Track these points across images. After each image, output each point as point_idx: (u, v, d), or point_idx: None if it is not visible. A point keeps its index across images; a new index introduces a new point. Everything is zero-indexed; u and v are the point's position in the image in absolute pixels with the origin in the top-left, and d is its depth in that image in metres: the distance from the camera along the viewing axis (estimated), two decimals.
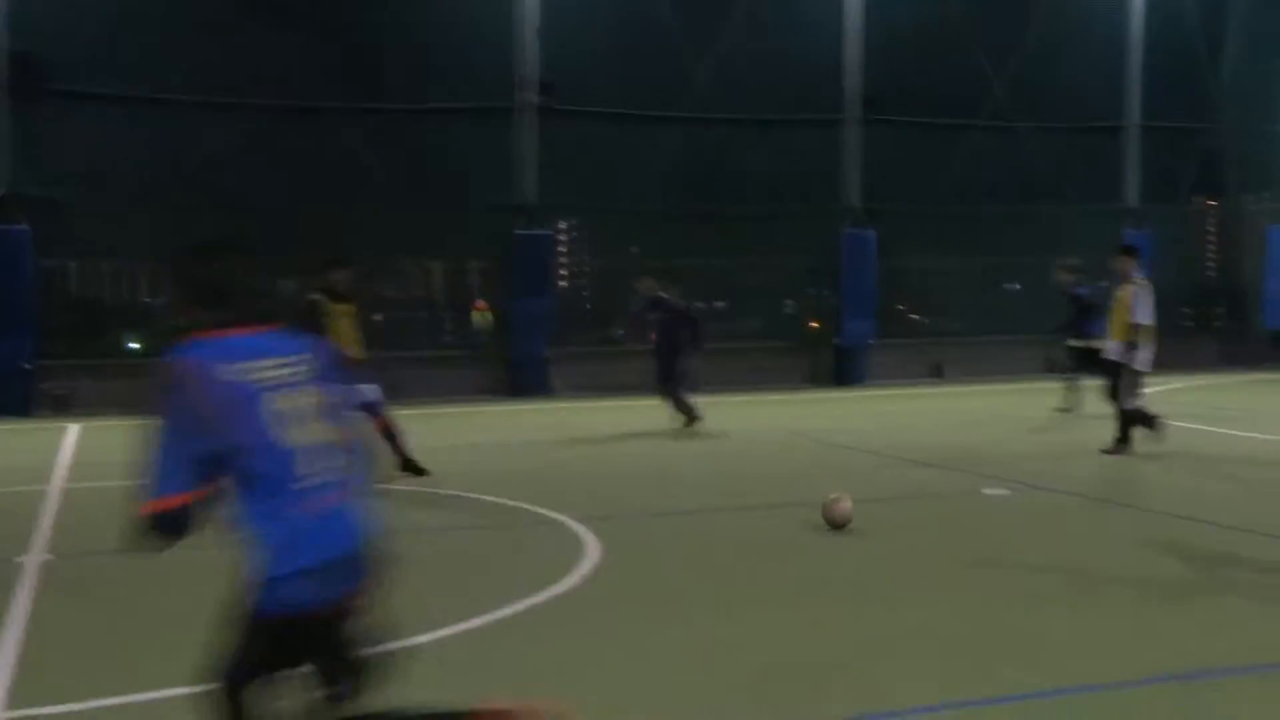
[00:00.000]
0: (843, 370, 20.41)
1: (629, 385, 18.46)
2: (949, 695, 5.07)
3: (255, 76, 17.63)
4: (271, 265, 18.34)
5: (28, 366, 16.55)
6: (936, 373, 20.88)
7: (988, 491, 10.12)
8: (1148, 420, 12.00)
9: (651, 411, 16.14)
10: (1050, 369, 15.98)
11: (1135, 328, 11.76)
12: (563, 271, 19.81)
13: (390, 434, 10.84)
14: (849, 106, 20.78)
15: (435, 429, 14.99)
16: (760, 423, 15.38)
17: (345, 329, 10.31)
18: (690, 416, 14.17)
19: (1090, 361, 14.99)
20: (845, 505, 8.44)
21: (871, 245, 20.42)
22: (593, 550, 7.88)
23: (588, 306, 20.95)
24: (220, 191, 17.67)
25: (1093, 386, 14.16)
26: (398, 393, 17.88)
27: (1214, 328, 23.59)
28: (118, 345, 18.55)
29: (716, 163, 20.15)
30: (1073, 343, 15.47)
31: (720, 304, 21.72)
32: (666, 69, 19.91)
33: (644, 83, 19.85)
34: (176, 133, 17.72)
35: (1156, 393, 17.65)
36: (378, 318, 19.38)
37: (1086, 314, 15.21)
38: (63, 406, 16.55)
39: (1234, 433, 13.68)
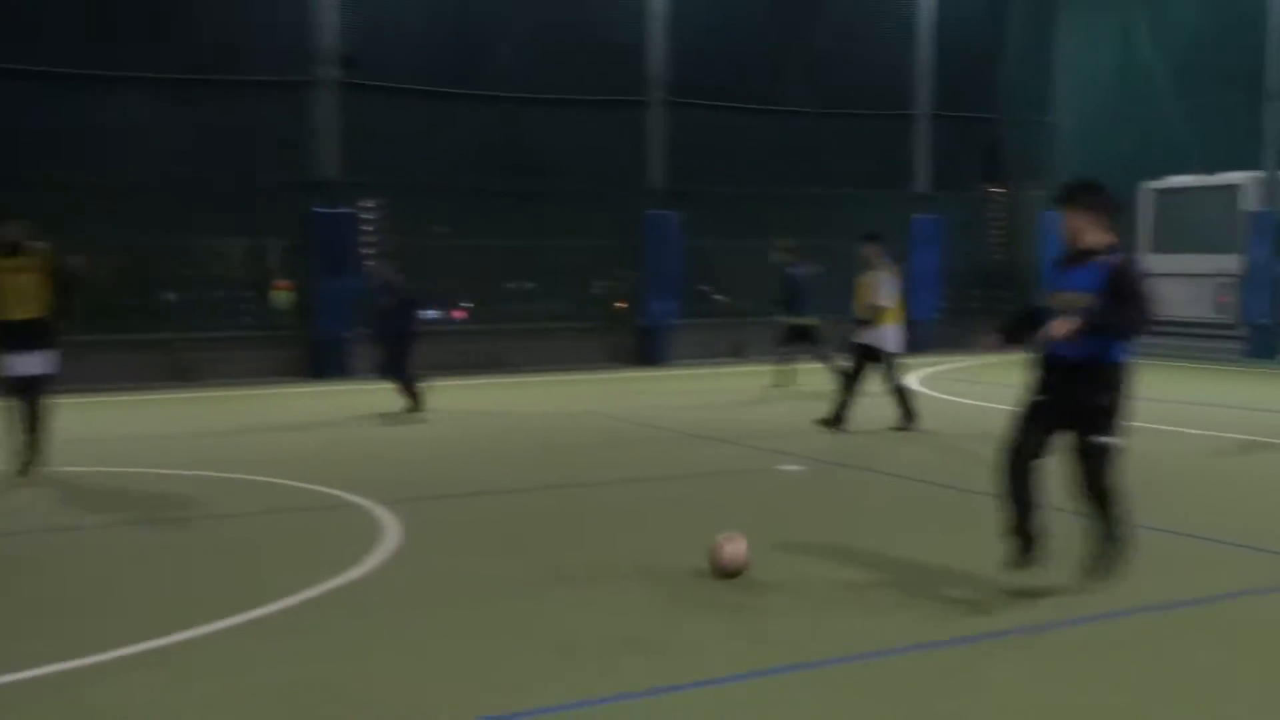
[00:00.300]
0: (646, 350, 20.70)
1: (432, 366, 18.33)
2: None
3: (30, 40, 16.75)
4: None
5: None
6: (737, 352, 21.36)
7: (783, 468, 10.47)
8: (843, 412, 12.52)
9: (455, 392, 16.09)
10: (774, 348, 16.72)
11: (877, 310, 12.30)
12: (368, 250, 19.45)
13: (32, 419, 9.86)
14: (652, 89, 21.04)
15: (231, 411, 14.62)
16: (563, 403, 15.50)
17: (16, 285, 9.64)
18: (416, 402, 13.83)
19: (801, 339, 15.85)
20: (732, 549, 6.66)
21: (674, 226, 20.75)
22: (392, 533, 7.85)
23: None
24: None
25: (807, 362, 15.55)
26: (191, 375, 17.43)
27: (999, 309, 24.75)
28: None
29: (522, 142, 20.13)
30: (787, 320, 16.16)
31: (528, 284, 21.75)
32: (471, 46, 19.79)
33: (449, 59, 19.68)
34: None
35: (945, 370, 18.53)
36: (170, 297, 18.76)
37: (800, 293, 15.97)
38: None
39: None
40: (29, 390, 9.81)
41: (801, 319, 16.01)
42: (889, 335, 12.42)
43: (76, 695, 4.99)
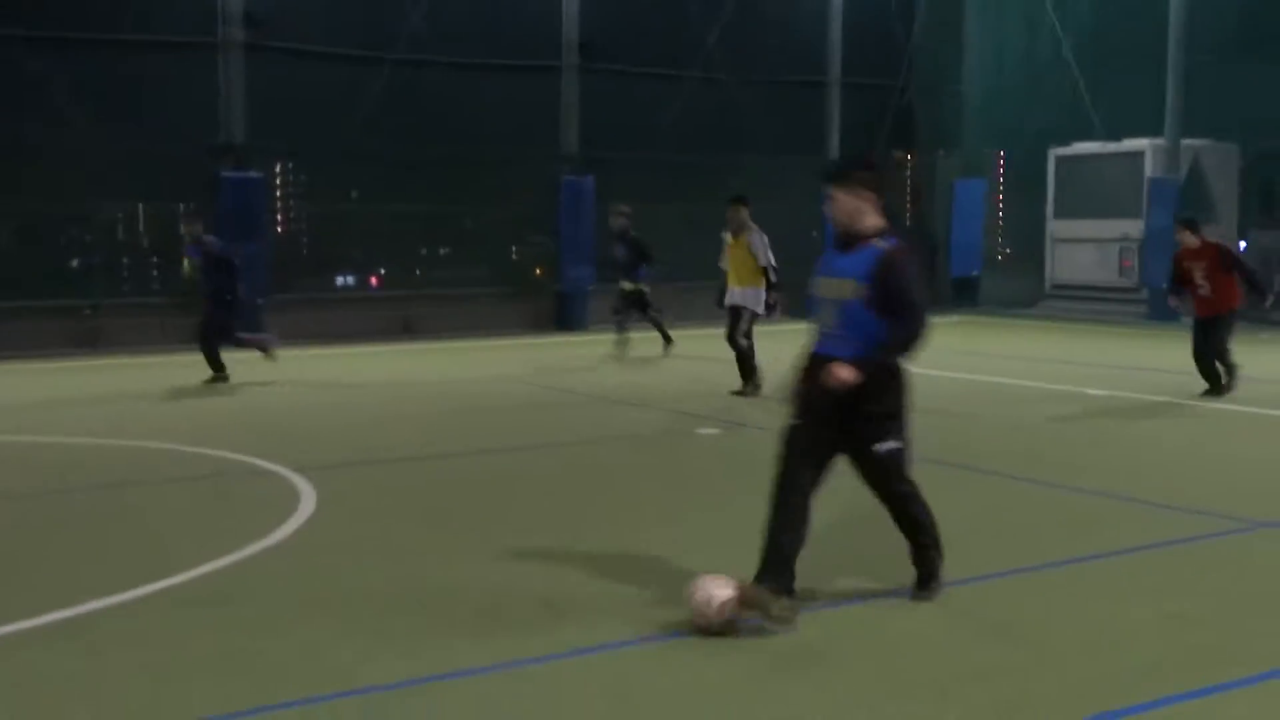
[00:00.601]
0: (564, 316, 20.68)
1: (347, 333, 18.19)
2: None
3: None
4: None
5: None
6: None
7: (701, 431, 10.57)
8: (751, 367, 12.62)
9: (372, 359, 15.98)
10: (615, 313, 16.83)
11: (770, 270, 12.38)
12: (284, 216, 19.17)
13: None
14: (566, 54, 20.93)
15: (139, 379, 14.34)
16: (481, 369, 15.45)
17: None
18: (218, 374, 13.49)
19: (637, 304, 15.97)
20: (707, 598, 5.17)
21: (589, 192, 20.70)
22: (308, 500, 7.79)
23: (304, 253, 20.36)
24: None
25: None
26: (99, 342, 17.04)
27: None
28: None
29: (437, 107, 19.90)
30: (625, 286, 16.30)
31: (443, 250, 21.60)
32: (382, 8, 19.54)
33: (359, 22, 19.41)
34: None
35: None
36: (74, 263, 18.32)
37: (637, 259, 16.15)
38: None
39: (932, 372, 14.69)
40: None
41: (633, 285, 16.15)
42: (760, 297, 12.48)
43: None
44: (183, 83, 18.27)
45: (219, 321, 13.52)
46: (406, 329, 19.19)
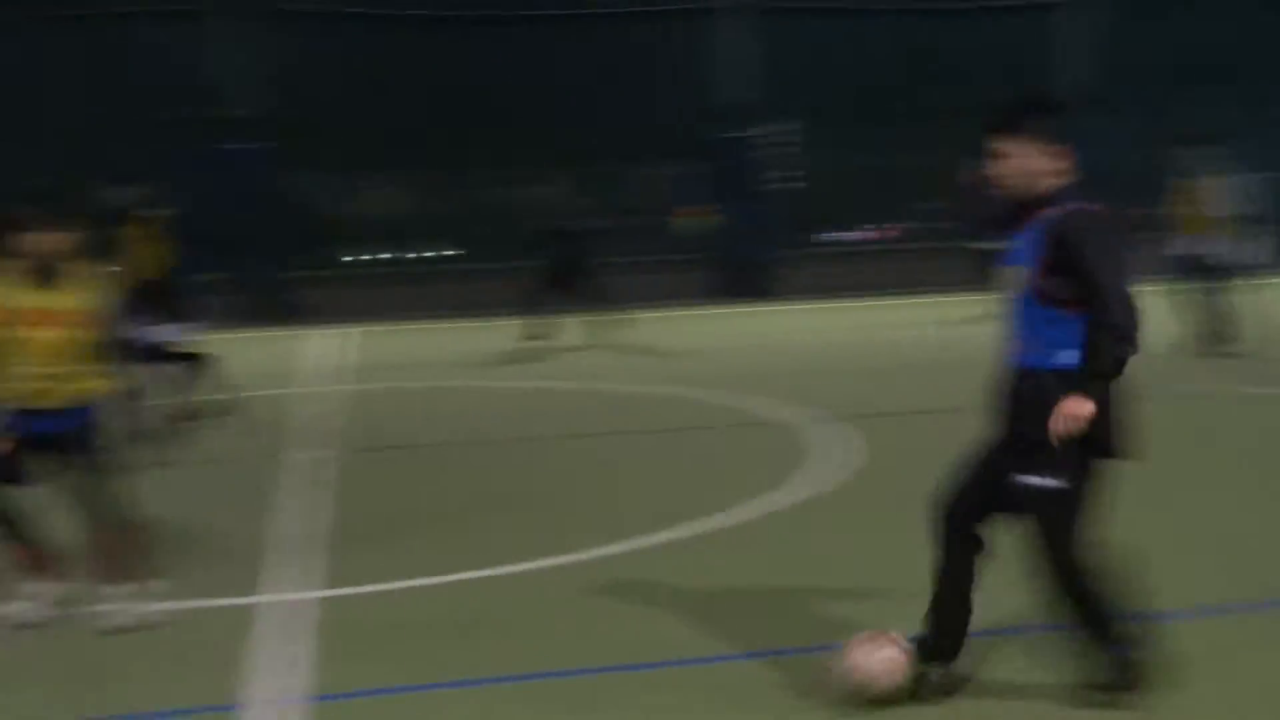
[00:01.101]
0: None
1: (859, 286, 17.82)
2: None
3: None
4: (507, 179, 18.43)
5: None
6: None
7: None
8: None
9: (889, 311, 15.60)
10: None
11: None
12: (797, 172, 19.30)
13: (189, 377, 8.96)
14: None
15: (658, 332, 14.64)
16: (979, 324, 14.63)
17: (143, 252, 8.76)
18: (539, 336, 12.82)
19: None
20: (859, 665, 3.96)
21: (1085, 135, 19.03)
22: (856, 448, 7.66)
23: (811, 208, 20.23)
24: (420, 105, 17.73)
25: None
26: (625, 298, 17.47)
27: None
28: None
29: (944, 54, 19.12)
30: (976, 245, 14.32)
31: (935, 205, 20.88)
32: None
33: None
34: (371, 44, 17.86)
35: None
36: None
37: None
38: None
39: None
40: None
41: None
42: (1223, 246, 10.99)
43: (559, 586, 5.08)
44: (679, 46, 18.74)
45: (574, 289, 13.07)
46: (912, 280, 18.52)
